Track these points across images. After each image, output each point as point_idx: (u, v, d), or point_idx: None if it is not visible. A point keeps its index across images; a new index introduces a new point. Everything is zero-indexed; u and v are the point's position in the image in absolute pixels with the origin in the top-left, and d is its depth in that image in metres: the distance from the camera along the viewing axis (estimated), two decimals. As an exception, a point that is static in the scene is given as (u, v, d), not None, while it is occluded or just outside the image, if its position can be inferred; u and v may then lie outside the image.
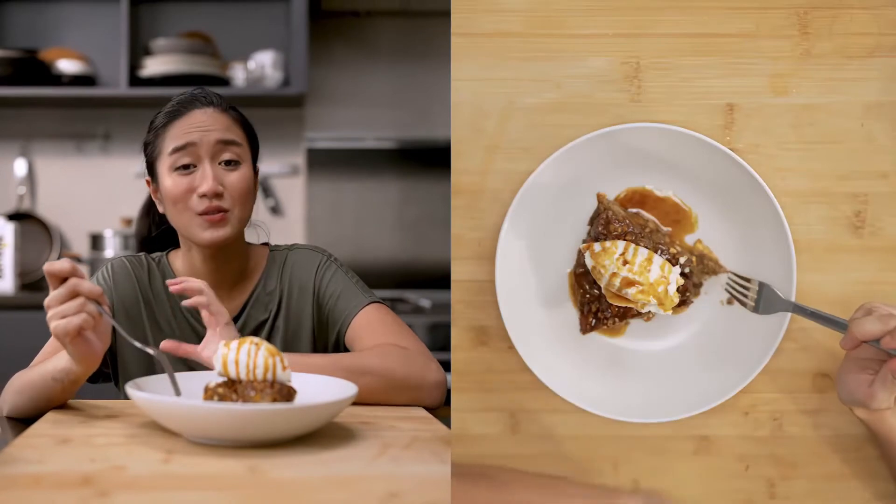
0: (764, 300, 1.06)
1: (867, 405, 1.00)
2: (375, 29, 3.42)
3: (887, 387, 0.99)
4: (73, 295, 1.10)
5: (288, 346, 1.44)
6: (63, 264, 1.11)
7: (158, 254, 1.50)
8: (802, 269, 1.09)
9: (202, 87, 1.46)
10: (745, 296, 1.06)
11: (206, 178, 1.35)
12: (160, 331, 1.43)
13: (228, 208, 1.37)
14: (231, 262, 1.44)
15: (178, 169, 1.37)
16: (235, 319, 1.45)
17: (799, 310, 1.04)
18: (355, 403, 1.17)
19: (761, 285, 1.06)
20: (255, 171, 1.46)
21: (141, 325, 1.43)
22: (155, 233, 1.56)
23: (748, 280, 1.07)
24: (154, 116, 1.43)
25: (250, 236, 1.52)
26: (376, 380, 1.28)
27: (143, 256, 1.48)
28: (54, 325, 1.10)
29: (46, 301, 1.11)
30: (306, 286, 1.45)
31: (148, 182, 1.45)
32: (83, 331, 1.11)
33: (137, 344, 1.13)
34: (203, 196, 1.35)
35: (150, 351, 1.13)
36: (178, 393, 1.11)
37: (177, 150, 1.36)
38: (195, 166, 1.37)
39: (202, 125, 1.38)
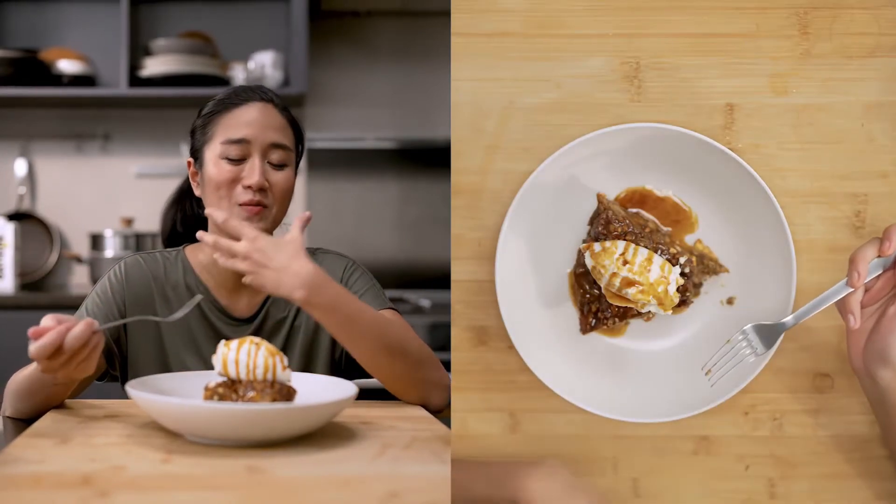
0: (765, 338, 1.04)
1: (879, 364, 0.99)
2: (375, 29, 3.42)
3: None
4: (67, 359, 1.09)
5: (309, 344, 1.44)
6: (44, 344, 1.06)
7: (174, 249, 1.50)
8: (802, 269, 1.09)
9: (263, 86, 1.48)
10: (755, 347, 1.04)
11: (254, 171, 1.37)
12: (178, 327, 1.43)
13: (269, 205, 1.40)
14: None
15: (226, 158, 1.38)
16: (254, 317, 1.45)
17: (797, 318, 1.03)
18: (361, 398, 1.17)
19: (751, 328, 1.04)
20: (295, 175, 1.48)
21: (155, 321, 1.42)
22: (181, 228, 1.56)
23: (739, 333, 1.05)
24: (203, 105, 1.45)
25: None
26: (409, 362, 1.29)
27: (157, 254, 1.48)
28: (67, 375, 1.12)
29: (44, 370, 1.11)
30: None
31: (189, 163, 1.46)
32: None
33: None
34: (248, 188, 1.37)
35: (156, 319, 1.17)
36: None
37: (231, 142, 1.38)
38: (244, 160, 1.39)
39: (258, 121, 1.40)
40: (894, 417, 1.03)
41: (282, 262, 1.20)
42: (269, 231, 1.42)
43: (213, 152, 1.40)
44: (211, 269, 1.45)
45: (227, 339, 1.40)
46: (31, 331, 1.08)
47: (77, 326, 1.08)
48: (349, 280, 1.46)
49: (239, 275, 1.44)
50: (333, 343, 1.45)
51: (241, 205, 1.38)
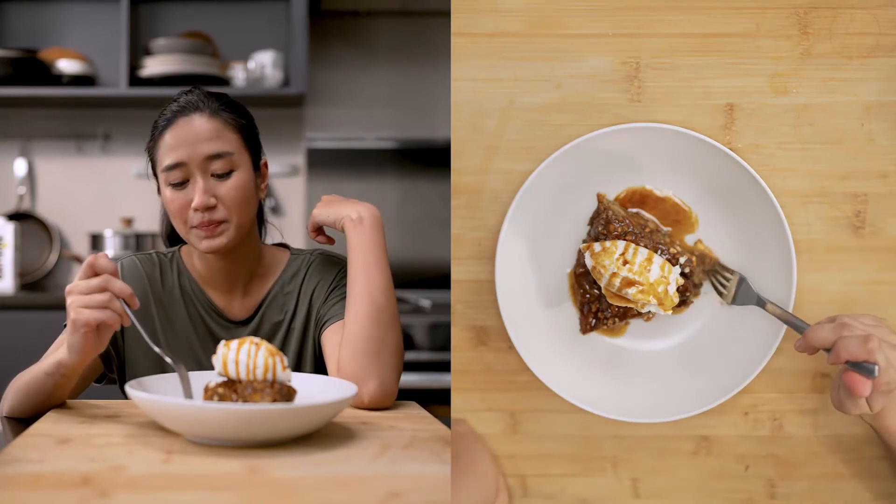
0: (739, 293, 1.06)
1: (843, 412, 1.00)
2: (375, 29, 3.42)
3: (851, 397, 0.97)
4: (103, 289, 1.12)
5: (301, 345, 1.44)
6: (107, 264, 1.13)
7: (171, 249, 1.49)
8: (802, 269, 1.09)
9: (194, 87, 1.43)
10: (725, 286, 1.07)
11: (196, 192, 1.35)
12: (173, 330, 1.43)
13: (223, 219, 1.36)
14: (242, 263, 1.44)
15: (172, 185, 1.36)
16: (249, 320, 1.45)
17: (769, 306, 1.05)
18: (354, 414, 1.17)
19: (740, 279, 1.06)
20: (260, 165, 1.44)
21: (152, 324, 1.42)
22: None
23: (731, 272, 1.07)
24: (157, 116, 1.42)
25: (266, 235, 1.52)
26: (386, 340, 1.30)
27: (154, 254, 1.48)
28: (79, 314, 1.11)
29: (71, 286, 1.12)
30: (324, 284, 1.45)
31: (156, 179, 1.45)
32: (102, 326, 1.13)
33: (157, 349, 1.13)
34: (196, 211, 1.35)
35: (168, 359, 1.12)
36: (189, 397, 1.11)
37: (167, 169, 1.36)
38: (188, 181, 1.36)
39: (189, 138, 1.35)
40: (887, 445, 1.04)
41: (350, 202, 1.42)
42: (234, 243, 1.39)
43: (161, 178, 1.38)
44: (204, 272, 1.44)
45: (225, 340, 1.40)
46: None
47: (125, 285, 1.14)
48: (343, 280, 1.44)
49: (232, 279, 1.44)
50: (317, 342, 1.45)
51: (195, 227, 1.36)
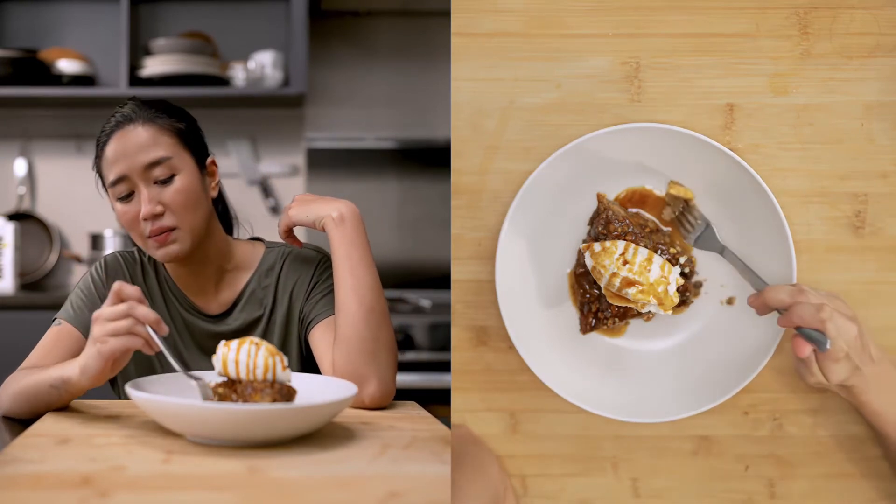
0: (702, 237, 1.08)
1: (803, 380, 1.03)
2: (375, 29, 3.42)
3: (803, 364, 1.01)
4: (127, 315, 1.10)
5: (283, 341, 1.44)
6: (132, 291, 1.10)
7: None
8: (802, 269, 1.09)
9: (130, 99, 1.43)
10: (692, 227, 1.08)
11: (143, 202, 1.35)
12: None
13: (172, 225, 1.36)
14: (208, 262, 1.44)
15: (120, 199, 1.37)
16: (226, 314, 1.45)
17: (728, 255, 1.07)
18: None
19: (707, 224, 1.08)
20: (206, 164, 1.44)
21: None
22: None
23: (700, 217, 1.08)
24: (99, 133, 1.42)
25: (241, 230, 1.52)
26: (379, 335, 1.30)
27: (135, 252, 1.49)
28: (105, 343, 1.10)
29: (97, 312, 1.11)
30: (304, 280, 1.45)
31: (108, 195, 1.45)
32: (128, 351, 1.11)
33: (179, 367, 1.11)
34: (145, 220, 1.36)
35: (194, 382, 1.10)
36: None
37: (112, 185, 1.37)
38: (133, 192, 1.37)
39: (127, 150, 1.36)
40: (868, 423, 1.06)
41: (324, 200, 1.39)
42: (191, 248, 1.39)
43: (109, 194, 1.40)
44: (179, 269, 1.45)
45: (204, 335, 1.40)
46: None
47: (151, 310, 1.11)
48: (321, 276, 1.45)
49: (203, 278, 1.44)
50: (304, 340, 1.45)
51: (149, 238, 1.37)
